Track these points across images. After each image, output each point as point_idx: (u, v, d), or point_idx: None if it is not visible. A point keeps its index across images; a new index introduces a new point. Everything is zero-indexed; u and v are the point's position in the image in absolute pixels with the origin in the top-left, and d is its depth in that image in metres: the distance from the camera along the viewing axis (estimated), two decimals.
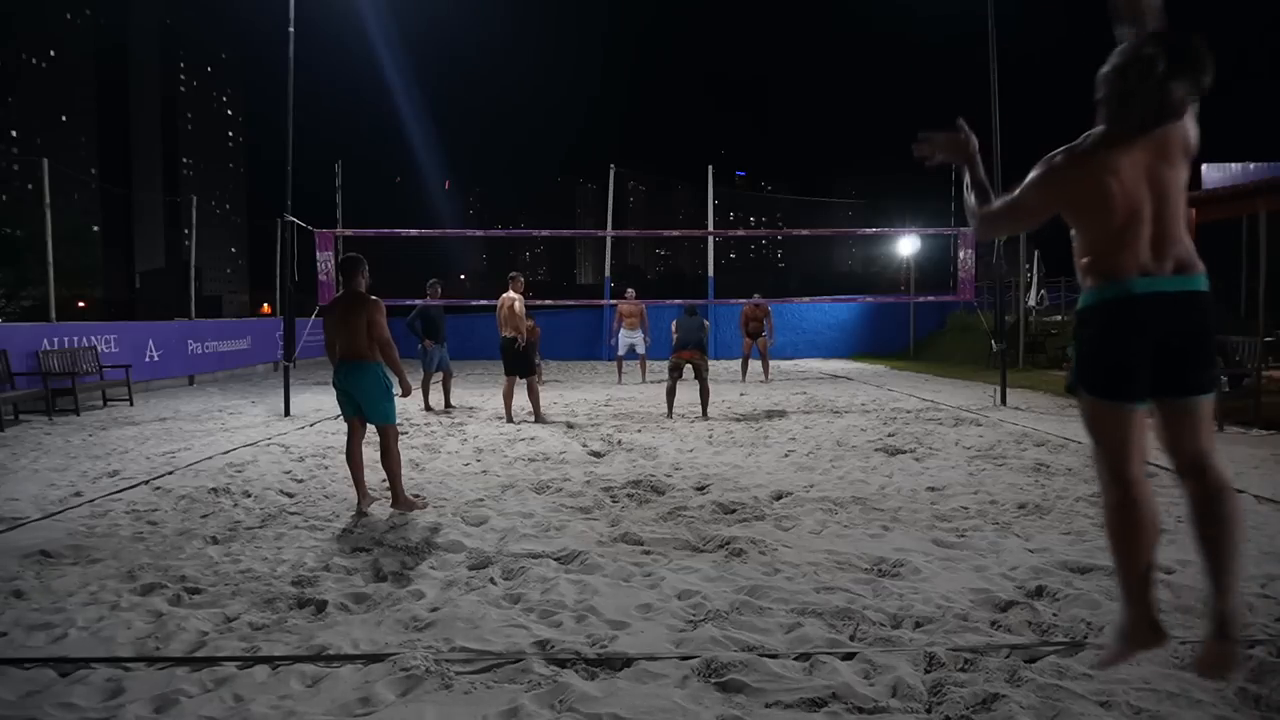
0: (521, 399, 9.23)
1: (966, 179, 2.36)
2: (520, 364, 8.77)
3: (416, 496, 5.12)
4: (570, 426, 8.39)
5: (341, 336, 4.85)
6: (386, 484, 5.05)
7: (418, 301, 11.92)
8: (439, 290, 10.54)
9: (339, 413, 5.12)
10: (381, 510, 4.87)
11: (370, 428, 5.03)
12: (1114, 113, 2.04)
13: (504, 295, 8.88)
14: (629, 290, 14.37)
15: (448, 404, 10.12)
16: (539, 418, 8.79)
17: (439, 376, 10.36)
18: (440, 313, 10.38)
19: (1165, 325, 2.04)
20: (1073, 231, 2.18)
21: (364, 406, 4.91)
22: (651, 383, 12.86)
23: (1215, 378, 2.17)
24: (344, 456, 5.08)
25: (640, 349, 13.50)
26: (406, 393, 5.03)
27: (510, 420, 8.74)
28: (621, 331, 13.52)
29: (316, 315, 10.95)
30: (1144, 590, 2.10)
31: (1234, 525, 2.09)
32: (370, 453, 5.15)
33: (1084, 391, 2.14)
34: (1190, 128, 2.08)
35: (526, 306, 9.21)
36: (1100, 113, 2.10)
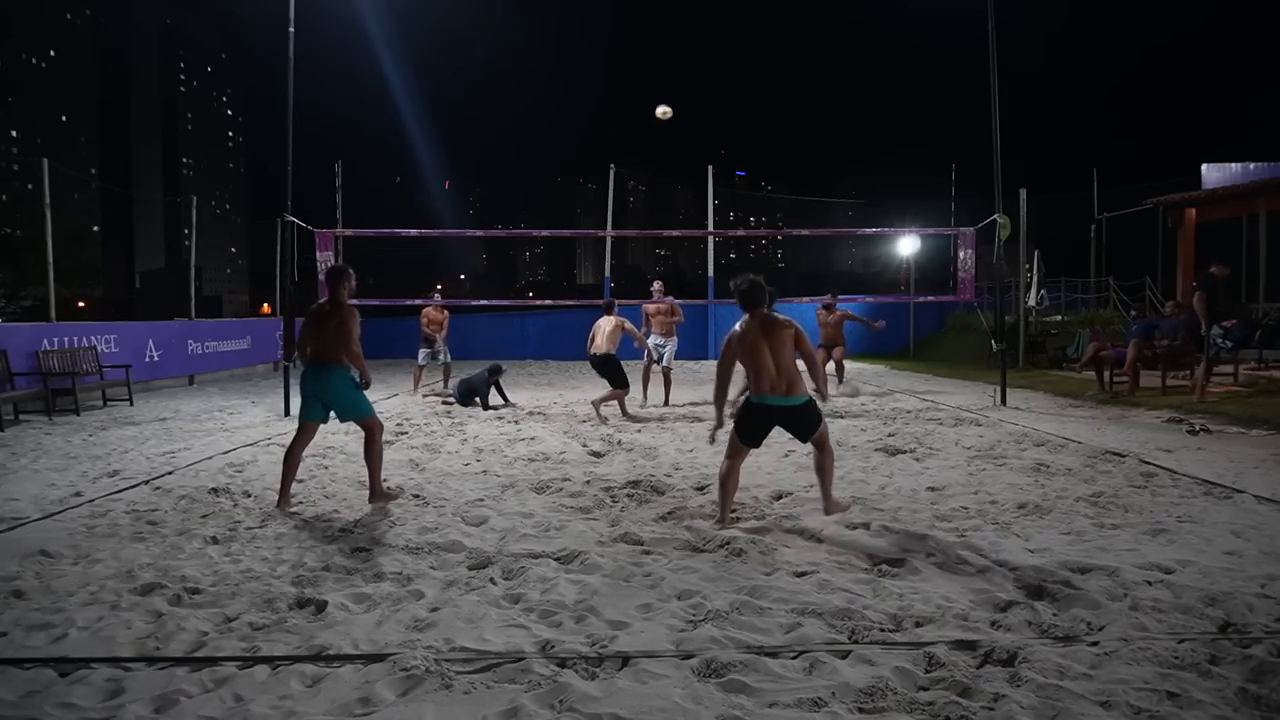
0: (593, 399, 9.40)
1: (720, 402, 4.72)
2: (615, 376, 9.13)
3: (391, 489, 5.20)
4: (570, 427, 8.39)
5: (315, 340, 4.97)
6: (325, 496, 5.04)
7: (418, 301, 11.95)
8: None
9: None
10: (381, 510, 4.86)
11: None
12: (750, 303, 4.52)
13: (605, 319, 9.35)
14: (656, 284, 11.55)
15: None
16: (598, 412, 8.92)
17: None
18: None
19: (776, 418, 4.49)
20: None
21: (338, 409, 4.99)
22: (676, 407, 10.06)
23: (812, 431, 4.56)
24: (340, 454, 5.10)
25: (668, 360, 10.65)
26: (367, 384, 5.12)
27: (628, 412, 9.11)
28: (651, 339, 10.69)
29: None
30: (727, 508, 4.49)
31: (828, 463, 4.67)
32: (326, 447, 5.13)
33: (735, 435, 4.54)
34: (776, 315, 4.56)
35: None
36: (744, 307, 4.54)
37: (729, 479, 4.50)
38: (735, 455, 4.54)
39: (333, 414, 5.10)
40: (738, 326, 4.55)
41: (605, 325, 9.30)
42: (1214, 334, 9.33)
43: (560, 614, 3.15)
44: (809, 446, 7.00)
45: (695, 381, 14.06)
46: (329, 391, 4.93)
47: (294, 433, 5.13)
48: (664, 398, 10.48)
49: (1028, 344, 15.93)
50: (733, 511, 4.57)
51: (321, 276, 10.26)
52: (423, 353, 12.14)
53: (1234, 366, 9.99)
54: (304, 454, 5.17)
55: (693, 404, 10.45)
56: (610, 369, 9.16)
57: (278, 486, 5.18)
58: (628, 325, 9.38)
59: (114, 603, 3.29)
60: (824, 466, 4.64)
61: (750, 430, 4.52)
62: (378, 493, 5.01)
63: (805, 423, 4.51)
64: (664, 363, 10.53)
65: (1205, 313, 9.20)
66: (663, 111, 11.54)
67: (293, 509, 4.91)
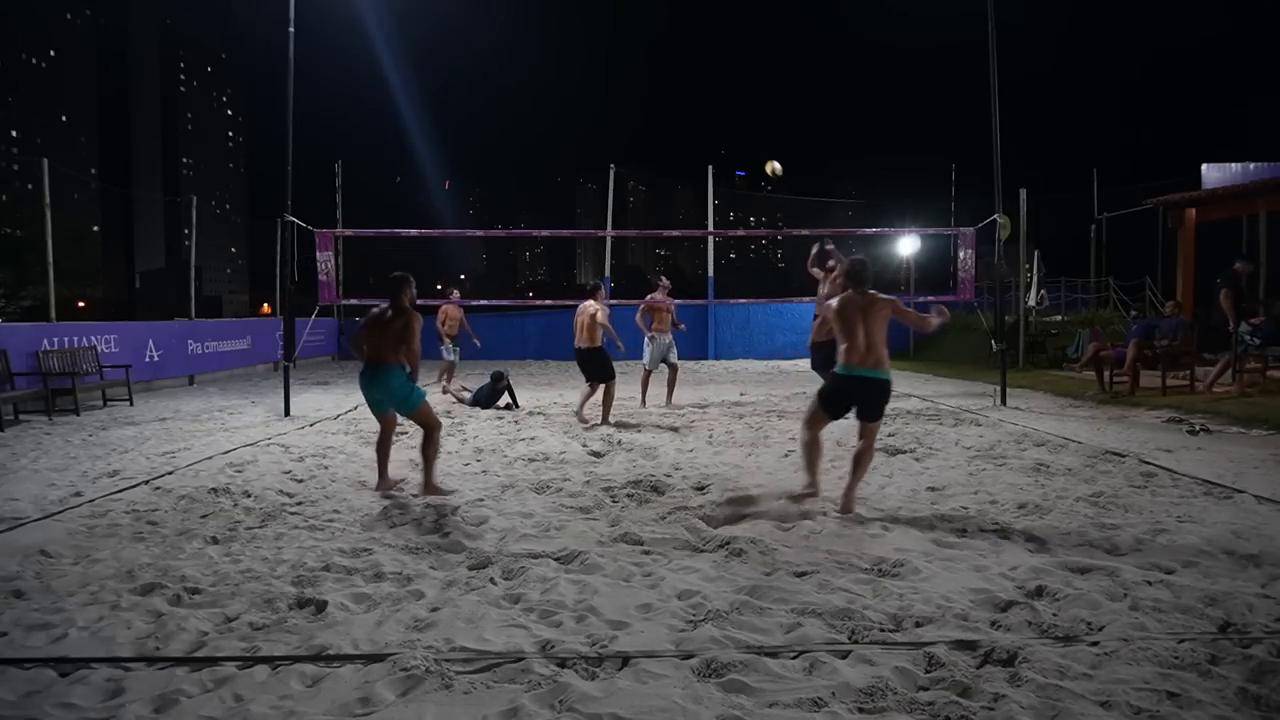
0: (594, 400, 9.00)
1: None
2: (602, 371, 8.74)
3: (439, 486, 5.32)
4: (570, 426, 8.38)
5: (374, 342, 5.24)
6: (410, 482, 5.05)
7: (418, 301, 11.93)
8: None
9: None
10: (381, 509, 4.87)
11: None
12: (856, 281, 4.84)
13: (585, 304, 8.83)
14: (664, 280, 10.72)
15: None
16: (606, 420, 8.57)
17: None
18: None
19: (858, 390, 4.74)
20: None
21: (395, 405, 5.31)
22: (683, 408, 9.85)
23: (878, 415, 4.82)
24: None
25: (674, 357, 10.33)
26: (414, 381, 5.39)
27: (584, 422, 8.53)
28: (655, 338, 10.19)
29: (317, 316, 10.95)
30: (815, 475, 4.88)
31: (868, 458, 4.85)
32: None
33: (818, 403, 4.88)
34: (875, 293, 4.82)
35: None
36: (843, 284, 4.95)
37: (813, 445, 4.86)
38: (815, 424, 4.88)
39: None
40: (836, 300, 4.88)
41: (584, 316, 8.77)
42: (1242, 331, 9.34)
43: (560, 614, 3.15)
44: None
45: (695, 382, 14.06)
46: (385, 389, 5.23)
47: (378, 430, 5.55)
48: (666, 397, 10.30)
49: (1028, 344, 15.93)
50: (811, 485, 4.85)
51: (325, 274, 10.29)
52: (445, 348, 12.25)
53: (1262, 364, 10.00)
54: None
55: (694, 406, 10.44)
56: (596, 362, 8.74)
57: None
58: (601, 318, 8.69)
59: (114, 603, 3.29)
60: (862, 460, 4.79)
61: (834, 399, 4.84)
62: (430, 486, 5.22)
63: (878, 402, 4.76)
64: (671, 359, 10.23)
65: (1233, 309, 9.21)
66: (772, 169, 11.42)
67: (393, 490, 5.31)
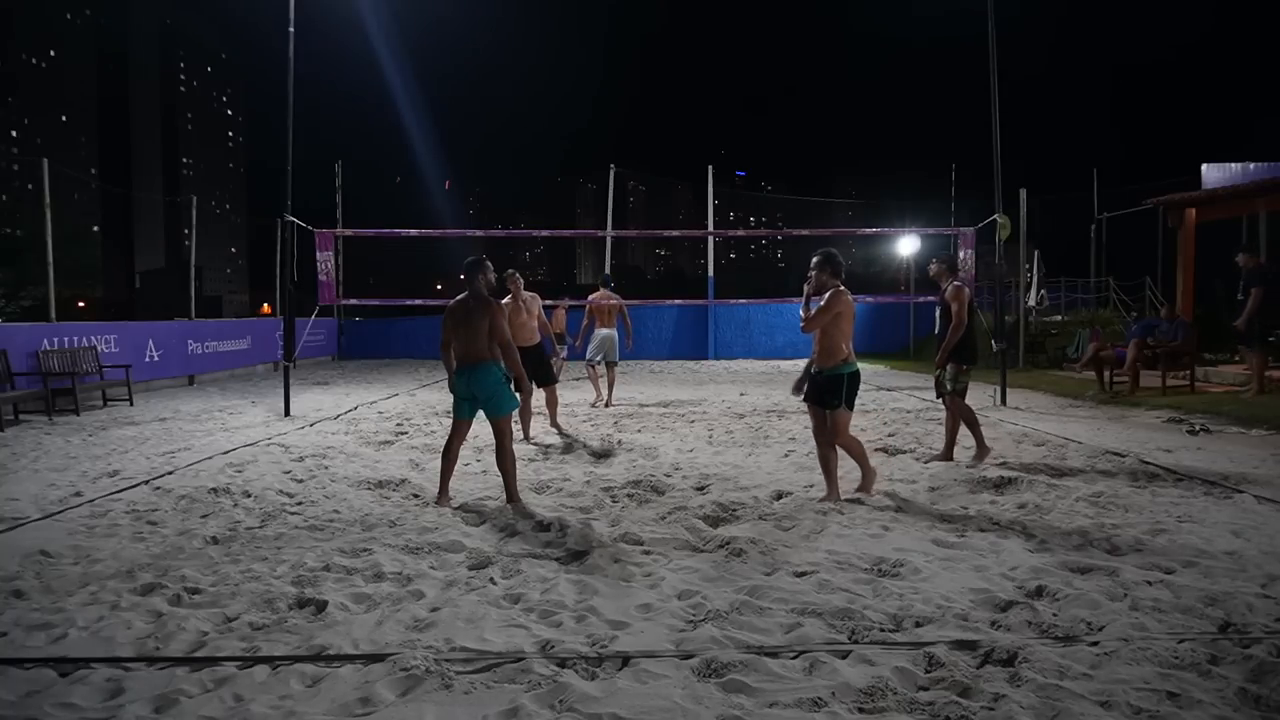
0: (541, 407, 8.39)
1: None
2: (542, 372, 8.01)
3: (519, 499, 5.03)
4: (569, 426, 8.38)
5: (461, 339, 4.97)
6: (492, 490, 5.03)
7: (417, 301, 11.92)
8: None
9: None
10: (381, 509, 4.87)
11: (471, 433, 5.14)
12: (836, 274, 5.03)
13: (506, 300, 7.66)
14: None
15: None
16: (555, 425, 8.17)
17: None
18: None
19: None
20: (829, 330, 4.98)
21: (486, 404, 5.00)
22: (683, 408, 9.89)
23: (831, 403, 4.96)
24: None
25: (602, 354, 10.15)
26: (526, 394, 5.10)
27: (528, 439, 7.49)
28: (594, 332, 10.17)
29: (317, 316, 10.95)
30: (866, 462, 5.13)
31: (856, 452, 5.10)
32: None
33: (849, 410, 4.98)
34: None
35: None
36: (828, 277, 5.02)
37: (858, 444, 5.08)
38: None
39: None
40: (849, 296, 4.97)
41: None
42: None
43: (560, 614, 3.15)
44: (809, 447, 7.01)
45: (695, 382, 14.07)
46: (483, 387, 4.95)
47: (449, 430, 5.24)
48: (606, 395, 10.17)
49: (1028, 344, 15.93)
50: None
51: (325, 274, 10.28)
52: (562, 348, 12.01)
53: None
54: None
55: (694, 406, 10.44)
56: (545, 364, 8.11)
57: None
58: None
59: (114, 603, 3.29)
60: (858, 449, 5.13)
61: (857, 393, 5.03)
62: (514, 496, 4.98)
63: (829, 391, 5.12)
64: (595, 356, 10.06)
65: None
66: None
67: (452, 504, 4.96)
